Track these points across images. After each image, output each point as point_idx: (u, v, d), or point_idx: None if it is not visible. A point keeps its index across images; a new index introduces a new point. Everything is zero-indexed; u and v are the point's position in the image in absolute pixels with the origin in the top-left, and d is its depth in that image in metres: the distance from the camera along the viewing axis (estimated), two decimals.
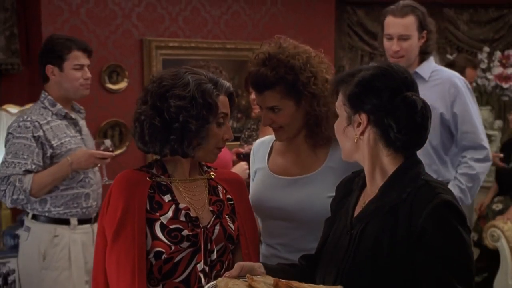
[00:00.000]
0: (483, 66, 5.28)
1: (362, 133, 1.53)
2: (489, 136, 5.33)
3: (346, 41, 5.67)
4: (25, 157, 2.70)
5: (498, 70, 5.18)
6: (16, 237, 3.53)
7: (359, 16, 5.65)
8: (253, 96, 3.58)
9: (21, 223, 3.37)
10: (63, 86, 2.84)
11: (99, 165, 2.85)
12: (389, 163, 1.53)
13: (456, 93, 2.92)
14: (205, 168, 1.91)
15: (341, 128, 1.57)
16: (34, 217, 2.82)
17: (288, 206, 1.93)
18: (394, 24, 2.86)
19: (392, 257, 1.44)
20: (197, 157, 1.80)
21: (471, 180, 2.95)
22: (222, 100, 1.77)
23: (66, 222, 2.82)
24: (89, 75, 2.90)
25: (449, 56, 5.45)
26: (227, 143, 1.85)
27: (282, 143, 2.04)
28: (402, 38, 2.84)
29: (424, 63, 2.99)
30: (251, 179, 2.15)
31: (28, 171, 2.71)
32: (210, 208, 1.80)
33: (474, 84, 5.33)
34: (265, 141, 2.11)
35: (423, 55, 2.98)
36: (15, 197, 2.70)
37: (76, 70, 2.83)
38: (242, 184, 1.95)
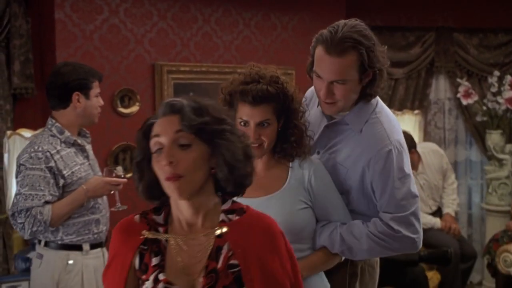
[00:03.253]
0: (494, 90, 5.28)
1: None
2: (500, 160, 5.32)
3: None
4: (42, 188, 2.68)
5: (508, 94, 5.17)
6: (28, 260, 3.54)
7: None
8: None
9: (33, 247, 3.39)
10: (84, 113, 2.85)
11: (112, 191, 2.87)
12: None
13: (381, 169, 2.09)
14: (222, 217, 1.57)
15: None
16: (47, 244, 2.80)
17: None
18: (326, 64, 2.01)
19: None
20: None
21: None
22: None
23: (78, 248, 2.81)
24: (102, 102, 2.97)
25: (459, 80, 5.45)
26: None
27: None
28: (336, 82, 2.03)
29: (358, 111, 2.14)
30: None
31: (47, 202, 2.69)
32: (200, 279, 1.50)
33: (484, 108, 5.33)
34: None
35: (363, 98, 2.14)
36: (34, 229, 2.68)
37: (97, 98, 2.89)
38: (273, 237, 1.59)
